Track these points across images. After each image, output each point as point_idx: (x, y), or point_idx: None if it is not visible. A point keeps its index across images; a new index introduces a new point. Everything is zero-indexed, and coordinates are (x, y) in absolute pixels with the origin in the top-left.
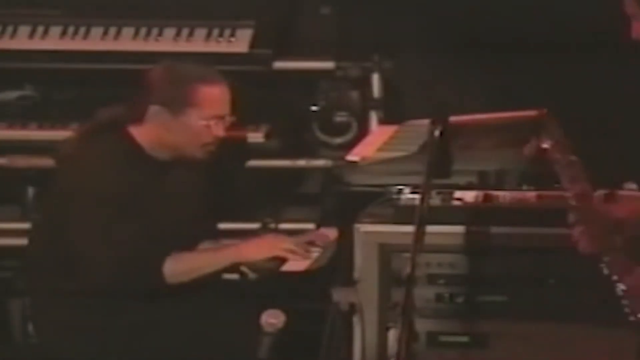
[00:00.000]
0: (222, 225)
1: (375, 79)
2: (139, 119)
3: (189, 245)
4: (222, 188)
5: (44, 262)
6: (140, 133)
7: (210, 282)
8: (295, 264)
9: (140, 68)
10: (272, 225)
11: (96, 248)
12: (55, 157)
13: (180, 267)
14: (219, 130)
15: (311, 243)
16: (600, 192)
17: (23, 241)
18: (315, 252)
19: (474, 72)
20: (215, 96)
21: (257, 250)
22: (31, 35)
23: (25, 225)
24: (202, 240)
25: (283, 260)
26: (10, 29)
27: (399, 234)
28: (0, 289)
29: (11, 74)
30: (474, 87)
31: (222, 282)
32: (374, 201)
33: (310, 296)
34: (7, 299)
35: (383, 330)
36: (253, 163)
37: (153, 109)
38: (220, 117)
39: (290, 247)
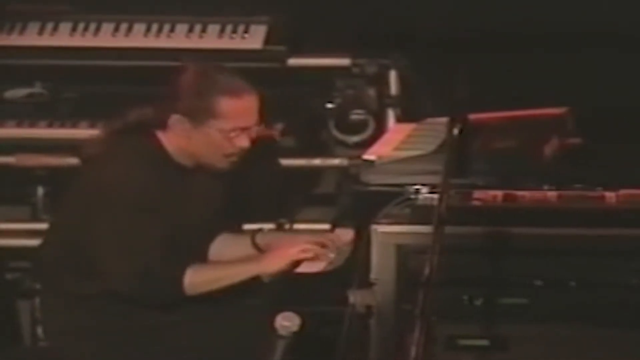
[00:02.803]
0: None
1: (393, 75)
2: (163, 125)
3: (206, 248)
4: (243, 190)
5: (58, 264)
6: (165, 139)
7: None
8: (310, 265)
9: (152, 65)
10: (287, 226)
11: (116, 256)
12: (79, 156)
13: (200, 279)
14: (243, 141)
15: (324, 245)
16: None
17: (32, 242)
18: (331, 254)
19: (494, 68)
20: (239, 108)
21: (279, 261)
22: (40, 31)
23: (35, 226)
24: (220, 233)
25: (298, 262)
26: (19, 25)
27: (416, 235)
28: (9, 290)
29: (20, 71)
30: (493, 84)
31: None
32: (391, 201)
33: (326, 298)
34: (16, 301)
35: (400, 334)
36: (268, 162)
37: (174, 117)
38: (244, 129)
39: (307, 247)
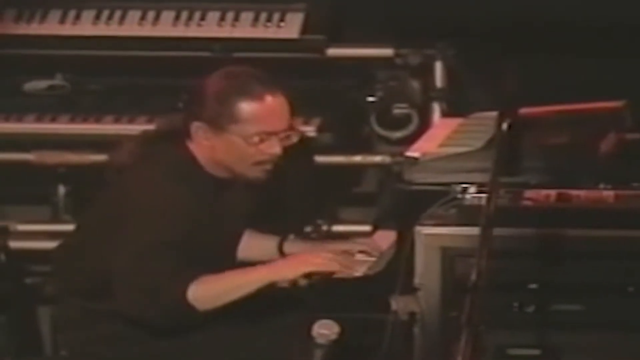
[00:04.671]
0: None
1: (438, 67)
2: (187, 133)
3: (233, 255)
4: (276, 191)
5: (76, 274)
6: (194, 147)
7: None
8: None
9: (181, 55)
10: (325, 228)
11: (125, 276)
12: (107, 164)
13: (206, 292)
14: (273, 147)
15: (362, 252)
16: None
17: (53, 245)
18: (366, 260)
19: (547, 59)
20: (261, 112)
21: (293, 268)
22: (62, 20)
23: (56, 228)
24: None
25: (327, 274)
26: (39, 13)
27: (463, 237)
28: (29, 296)
29: (40, 61)
30: (546, 76)
31: (271, 289)
32: (436, 201)
33: (367, 305)
34: (37, 307)
35: (446, 343)
36: (302, 160)
37: (195, 125)
38: (271, 134)
39: (328, 257)
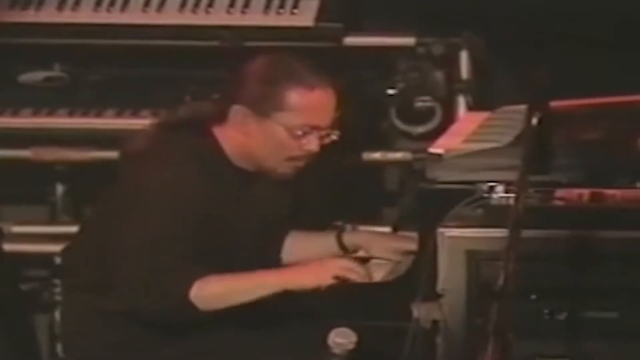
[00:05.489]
0: None
1: (463, 57)
2: (222, 119)
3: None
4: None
5: (84, 269)
6: (223, 136)
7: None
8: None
9: (187, 45)
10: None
11: (127, 268)
12: (120, 152)
13: (209, 291)
14: (312, 144)
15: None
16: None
17: (51, 248)
18: (386, 265)
19: (579, 49)
20: (311, 102)
21: (307, 278)
22: (60, 6)
23: (54, 229)
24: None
25: (345, 279)
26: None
27: (490, 240)
28: (25, 303)
29: (37, 51)
30: (578, 68)
31: (285, 295)
32: (461, 201)
33: (386, 312)
34: (33, 315)
35: (471, 352)
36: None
37: (236, 108)
38: (315, 128)
39: (349, 265)
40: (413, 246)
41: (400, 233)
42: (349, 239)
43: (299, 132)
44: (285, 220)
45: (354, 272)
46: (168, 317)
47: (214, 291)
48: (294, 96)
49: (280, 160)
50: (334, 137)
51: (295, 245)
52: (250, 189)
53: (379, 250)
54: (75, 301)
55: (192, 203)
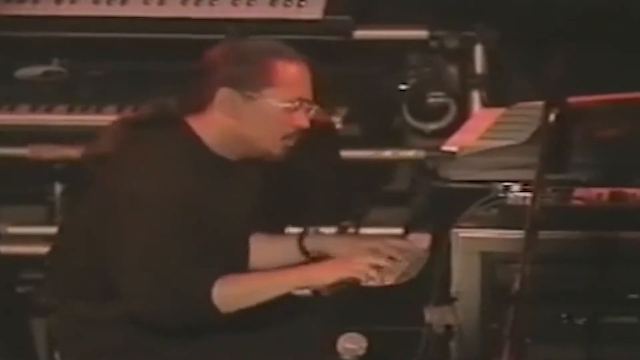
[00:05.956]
0: (293, 230)
1: (478, 51)
2: (200, 107)
3: (245, 257)
4: (297, 188)
5: (73, 277)
6: (202, 125)
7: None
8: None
9: (191, 38)
10: (352, 230)
11: (140, 271)
12: (84, 153)
13: (230, 292)
14: (303, 120)
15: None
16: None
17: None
18: (403, 265)
19: (598, 43)
20: (296, 74)
21: (332, 274)
22: None
23: (52, 230)
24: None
25: (355, 281)
26: None
27: (505, 241)
28: (22, 306)
29: (34, 45)
30: (597, 62)
31: (291, 299)
32: (476, 201)
33: (398, 316)
34: (30, 318)
35: (486, 358)
36: (325, 154)
37: (221, 92)
38: (304, 101)
39: (373, 262)
40: (383, 245)
41: (412, 234)
42: (311, 243)
43: (291, 106)
44: (257, 215)
45: (375, 272)
46: (188, 320)
47: (235, 291)
48: (280, 70)
49: (276, 140)
50: (312, 112)
51: (256, 247)
52: (233, 178)
53: (352, 251)
54: (68, 308)
55: (184, 199)
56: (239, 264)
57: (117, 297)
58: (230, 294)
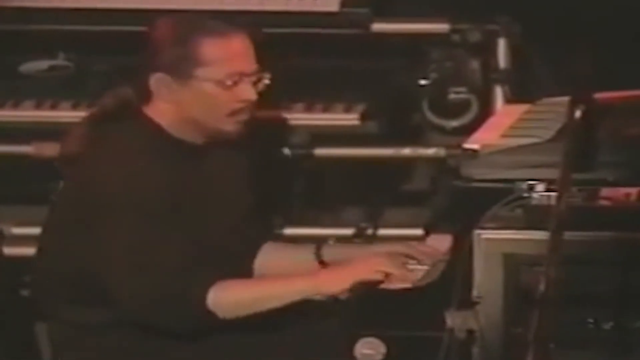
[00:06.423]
0: (307, 231)
1: (501, 45)
2: (147, 95)
3: (243, 258)
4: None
5: (58, 288)
6: (157, 113)
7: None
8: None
9: None
10: (370, 231)
11: (127, 274)
12: (59, 155)
13: (229, 298)
14: (246, 92)
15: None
16: None
17: None
18: (420, 269)
19: (627, 36)
20: (228, 50)
21: (341, 281)
22: None
23: None
24: (263, 242)
25: (371, 283)
26: None
27: (529, 242)
28: (26, 309)
29: (39, 39)
30: (625, 56)
31: (307, 301)
32: (499, 201)
33: (418, 321)
34: (33, 323)
35: None
36: (345, 152)
37: (155, 79)
38: (243, 75)
39: (383, 266)
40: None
41: (433, 235)
42: (329, 253)
43: (229, 82)
44: (253, 212)
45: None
46: (183, 324)
47: (233, 298)
48: (210, 48)
49: (222, 117)
50: (266, 81)
51: (268, 256)
52: (204, 163)
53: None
54: (59, 315)
55: (159, 191)
56: (239, 263)
57: (110, 302)
58: (228, 300)
